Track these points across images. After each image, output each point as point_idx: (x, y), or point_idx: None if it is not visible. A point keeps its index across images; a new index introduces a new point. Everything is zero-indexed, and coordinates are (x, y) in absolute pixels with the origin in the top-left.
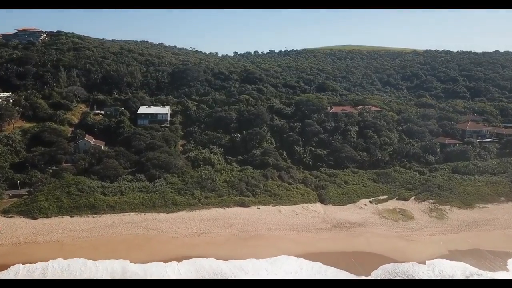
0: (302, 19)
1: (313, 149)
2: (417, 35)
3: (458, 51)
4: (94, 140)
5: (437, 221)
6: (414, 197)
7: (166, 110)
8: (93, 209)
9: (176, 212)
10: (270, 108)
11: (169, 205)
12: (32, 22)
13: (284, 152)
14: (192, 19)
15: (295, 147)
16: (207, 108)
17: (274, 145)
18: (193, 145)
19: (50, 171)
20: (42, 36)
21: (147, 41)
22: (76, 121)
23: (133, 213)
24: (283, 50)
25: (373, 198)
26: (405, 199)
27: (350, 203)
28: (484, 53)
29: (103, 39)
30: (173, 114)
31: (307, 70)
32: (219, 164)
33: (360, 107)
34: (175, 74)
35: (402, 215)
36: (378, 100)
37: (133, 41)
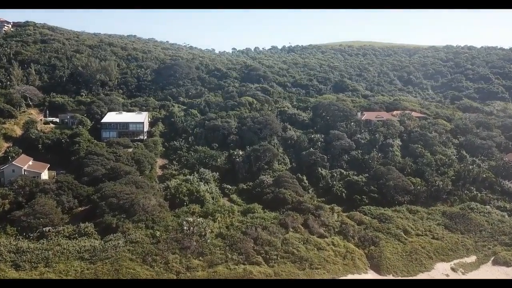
0: (304, 15)
1: (344, 172)
2: (430, 31)
3: (482, 47)
4: (31, 162)
5: None
6: None
7: (141, 117)
8: None
9: None
10: (281, 114)
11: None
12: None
13: (304, 177)
14: (186, 15)
15: (319, 169)
16: (198, 114)
17: (289, 166)
18: (176, 167)
19: None
20: (6, 27)
21: (134, 36)
22: (19, 133)
23: None
24: (286, 46)
25: (455, 261)
26: (507, 263)
27: (421, 271)
28: None
29: (83, 31)
30: (153, 122)
31: (317, 67)
32: (212, 199)
33: (396, 112)
34: (161, 70)
35: None
36: (414, 103)
37: (118, 35)
